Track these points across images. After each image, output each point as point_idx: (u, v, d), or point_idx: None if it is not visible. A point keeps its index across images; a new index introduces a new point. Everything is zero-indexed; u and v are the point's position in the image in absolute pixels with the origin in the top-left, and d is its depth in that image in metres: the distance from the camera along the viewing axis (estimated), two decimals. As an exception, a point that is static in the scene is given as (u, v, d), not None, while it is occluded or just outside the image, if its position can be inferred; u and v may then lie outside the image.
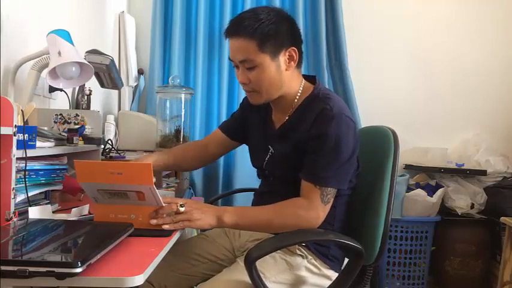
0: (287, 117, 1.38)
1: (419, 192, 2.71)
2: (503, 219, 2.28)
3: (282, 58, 1.30)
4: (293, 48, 1.31)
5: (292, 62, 1.32)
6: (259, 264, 1.18)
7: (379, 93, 3.01)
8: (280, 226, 1.24)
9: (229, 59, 1.35)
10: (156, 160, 1.48)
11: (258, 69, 1.28)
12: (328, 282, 1.28)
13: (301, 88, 1.37)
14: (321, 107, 1.27)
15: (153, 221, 1.12)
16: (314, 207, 1.24)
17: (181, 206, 1.17)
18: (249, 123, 1.53)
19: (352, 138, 1.27)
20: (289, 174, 1.30)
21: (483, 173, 2.78)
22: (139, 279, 0.80)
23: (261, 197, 1.47)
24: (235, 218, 1.23)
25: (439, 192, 2.72)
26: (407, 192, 2.71)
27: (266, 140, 1.43)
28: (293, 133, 1.33)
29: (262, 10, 1.30)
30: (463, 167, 2.80)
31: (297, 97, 1.36)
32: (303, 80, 1.40)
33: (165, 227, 1.12)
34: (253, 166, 1.51)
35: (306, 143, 1.28)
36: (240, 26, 1.27)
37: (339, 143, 1.23)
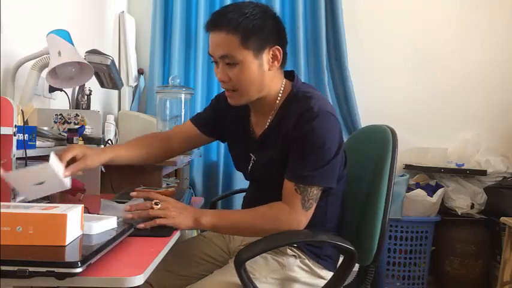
0: (268, 123, 1.31)
1: (419, 192, 2.70)
2: (503, 219, 2.29)
3: (266, 57, 1.23)
4: (277, 47, 1.24)
5: (275, 62, 1.25)
6: (250, 265, 1.17)
7: (379, 93, 3.01)
8: (261, 231, 1.20)
9: (208, 54, 1.26)
10: (115, 155, 1.33)
11: (239, 66, 1.20)
12: (322, 282, 1.26)
13: (282, 88, 1.31)
14: (302, 108, 1.21)
15: (129, 215, 1.11)
16: (295, 212, 1.20)
17: (156, 203, 1.15)
18: (225, 120, 1.43)
19: (337, 134, 1.24)
20: (276, 179, 1.25)
21: (483, 173, 2.78)
22: (139, 279, 0.79)
23: (250, 202, 1.40)
24: (214, 221, 1.20)
25: (439, 192, 2.72)
26: (407, 192, 2.70)
27: (247, 148, 1.36)
28: (275, 138, 1.27)
29: (247, 5, 1.22)
30: (463, 167, 2.80)
31: (278, 98, 1.30)
32: (284, 79, 1.33)
33: (140, 226, 1.09)
34: (238, 171, 1.47)
35: (290, 146, 1.23)
36: (223, 20, 1.19)
37: (324, 140, 1.19)
